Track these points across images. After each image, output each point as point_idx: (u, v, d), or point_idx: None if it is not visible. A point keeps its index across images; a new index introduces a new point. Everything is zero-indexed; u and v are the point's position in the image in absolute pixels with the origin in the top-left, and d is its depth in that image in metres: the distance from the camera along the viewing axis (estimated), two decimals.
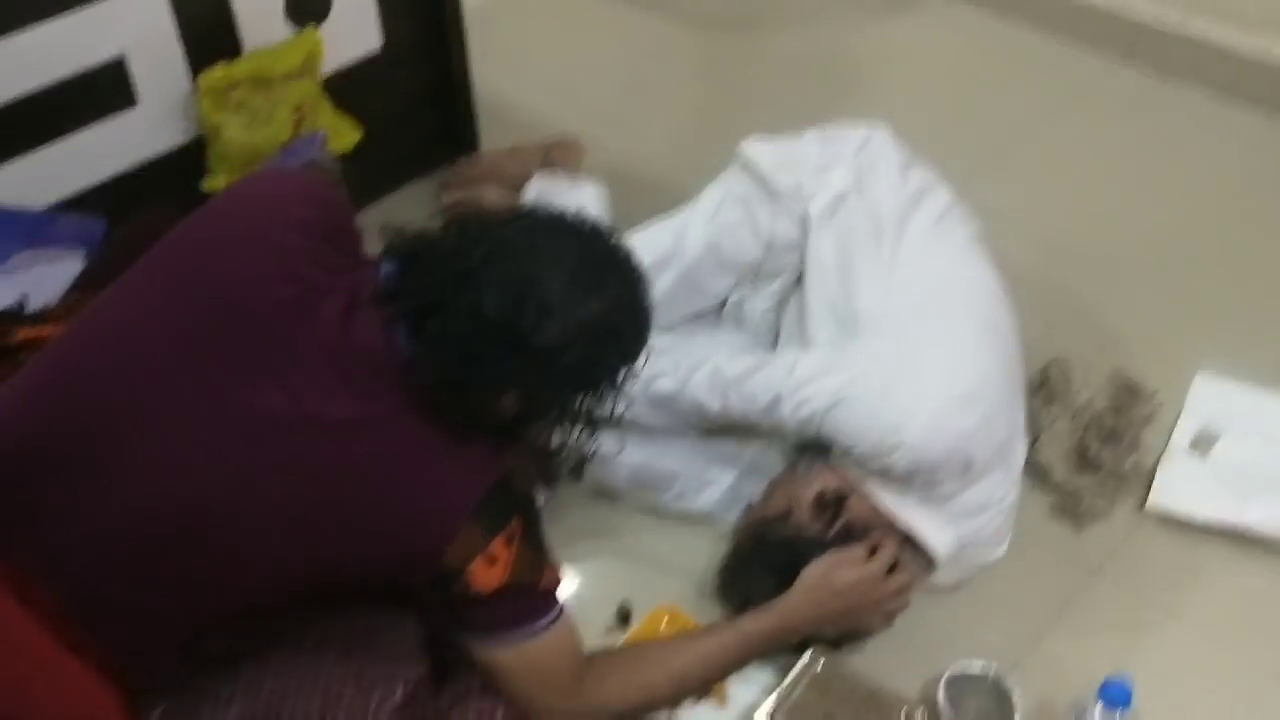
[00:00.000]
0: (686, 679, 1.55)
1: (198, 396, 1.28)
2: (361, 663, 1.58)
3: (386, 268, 1.33)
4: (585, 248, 1.33)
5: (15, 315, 1.71)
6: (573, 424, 1.38)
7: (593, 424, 1.40)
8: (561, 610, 1.44)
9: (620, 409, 1.39)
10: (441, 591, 1.34)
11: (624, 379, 1.38)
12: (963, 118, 2.72)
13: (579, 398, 1.35)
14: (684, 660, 1.54)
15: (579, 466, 1.48)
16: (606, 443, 1.75)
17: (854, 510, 1.64)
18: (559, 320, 1.27)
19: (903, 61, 2.93)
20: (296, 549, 1.31)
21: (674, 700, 1.58)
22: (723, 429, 1.83)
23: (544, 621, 1.41)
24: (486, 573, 1.32)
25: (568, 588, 1.76)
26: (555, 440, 1.41)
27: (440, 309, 1.26)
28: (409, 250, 1.33)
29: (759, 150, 1.90)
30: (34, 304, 1.77)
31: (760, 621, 1.58)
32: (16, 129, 1.87)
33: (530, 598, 1.40)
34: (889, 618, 1.65)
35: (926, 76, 2.88)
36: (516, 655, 1.42)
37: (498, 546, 1.32)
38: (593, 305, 1.29)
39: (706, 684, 1.60)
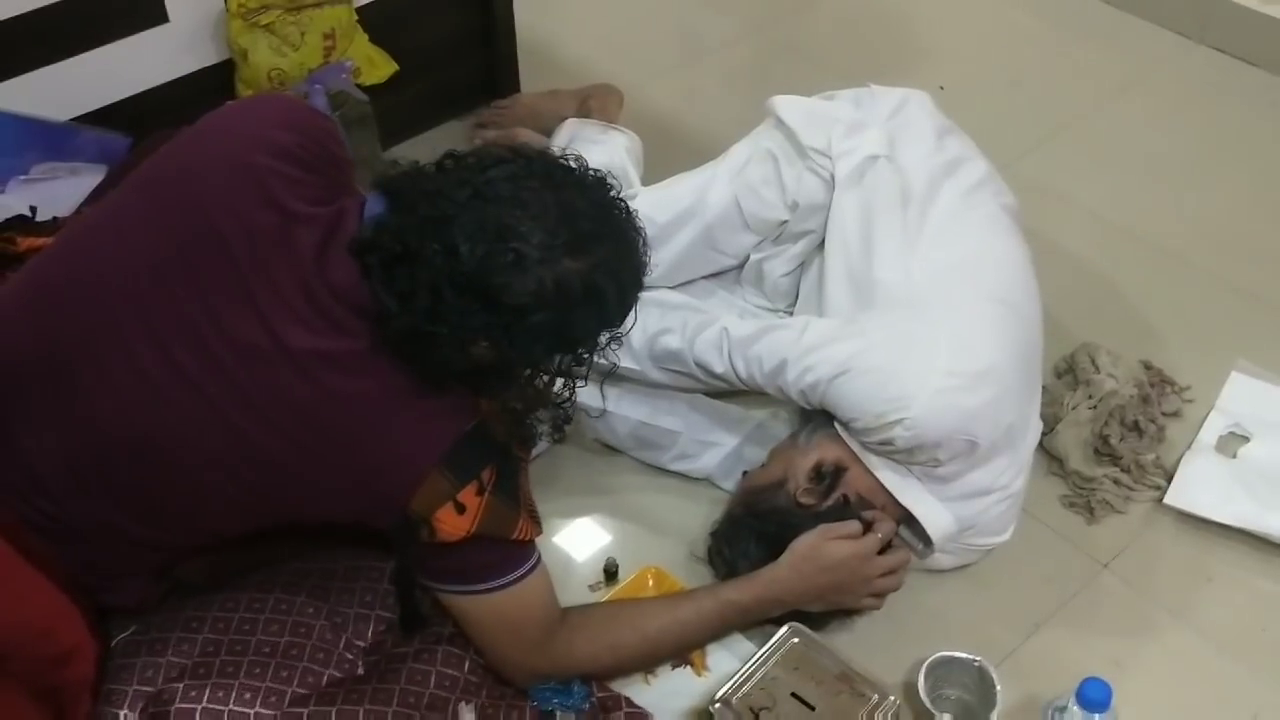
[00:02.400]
0: (659, 643, 1.52)
1: (170, 319, 1.26)
2: (335, 601, 1.58)
3: (372, 204, 1.29)
4: (576, 202, 1.25)
5: (23, 223, 1.71)
6: (548, 383, 1.34)
7: (570, 384, 1.35)
8: (535, 564, 1.41)
9: (597, 370, 1.34)
10: (409, 537, 1.31)
11: (606, 342, 1.32)
12: (1021, 90, 2.63)
13: (554, 358, 1.30)
14: (658, 624, 1.51)
15: (558, 427, 1.42)
16: (596, 400, 1.74)
17: (852, 484, 1.59)
18: (533, 277, 1.21)
19: (962, 28, 2.84)
20: (261, 482, 1.29)
21: (646, 664, 1.56)
22: (728, 392, 1.78)
23: (515, 575, 1.39)
24: (454, 521, 1.29)
25: (557, 540, 1.75)
26: (531, 398, 1.36)
27: (413, 256, 1.22)
28: (396, 187, 1.28)
29: (791, 106, 1.84)
30: (45, 214, 1.77)
31: (742, 591, 1.54)
32: (44, 38, 1.87)
33: (501, 550, 1.37)
34: (878, 597, 1.60)
35: (986, 45, 2.79)
36: (486, 606, 1.40)
37: (467, 495, 1.29)
38: (571, 265, 1.22)
39: (681, 650, 1.56)
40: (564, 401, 1.38)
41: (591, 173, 1.31)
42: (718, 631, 1.56)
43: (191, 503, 1.32)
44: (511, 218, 1.21)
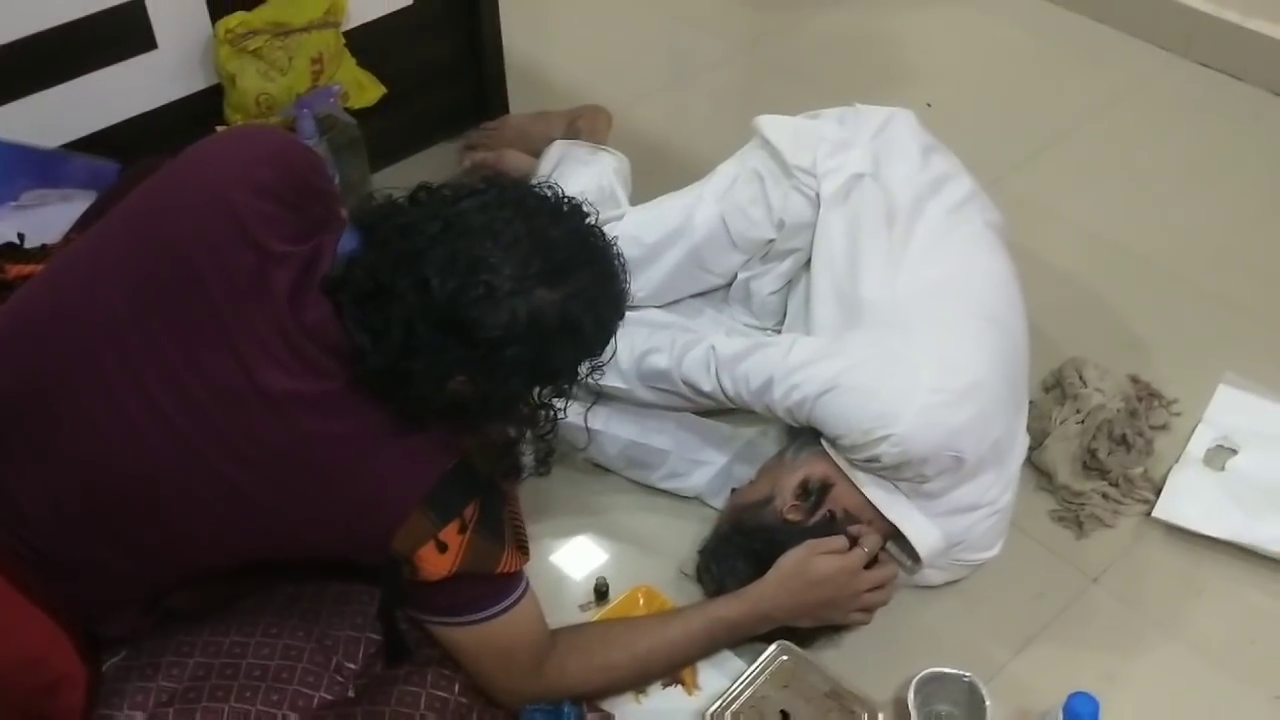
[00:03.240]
0: (650, 663, 1.52)
1: (148, 360, 1.25)
2: (326, 624, 1.58)
3: (346, 240, 1.27)
4: (550, 231, 1.23)
5: (11, 250, 1.72)
6: (530, 416, 1.32)
7: (551, 416, 1.34)
8: (523, 593, 1.40)
9: (580, 403, 1.34)
10: (393, 575, 1.31)
11: (586, 372, 1.31)
12: (1008, 107, 2.65)
13: (533, 390, 1.29)
14: (649, 643, 1.51)
15: (542, 460, 1.40)
16: (581, 436, 1.75)
17: (839, 501, 1.59)
18: (506, 309, 1.18)
19: (950, 46, 2.86)
20: (243, 522, 1.29)
21: (637, 683, 1.56)
22: (717, 410, 1.79)
23: (503, 605, 1.38)
24: (436, 560, 1.28)
25: (548, 560, 1.75)
26: (512, 432, 1.35)
27: (385, 292, 1.20)
28: (369, 222, 1.27)
29: (776, 126, 1.86)
30: (33, 241, 1.77)
31: (731, 608, 1.54)
32: (35, 64, 1.88)
33: (486, 584, 1.36)
34: (866, 613, 1.60)
35: (974, 63, 2.80)
36: (475, 636, 1.40)
37: (449, 534, 1.28)
38: (546, 295, 1.20)
39: (672, 668, 1.57)
40: (546, 433, 1.36)
41: (567, 201, 1.29)
42: (707, 649, 1.56)
43: (177, 541, 1.32)
44: (482, 249, 1.19)
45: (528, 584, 1.42)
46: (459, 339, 1.19)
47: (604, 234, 1.30)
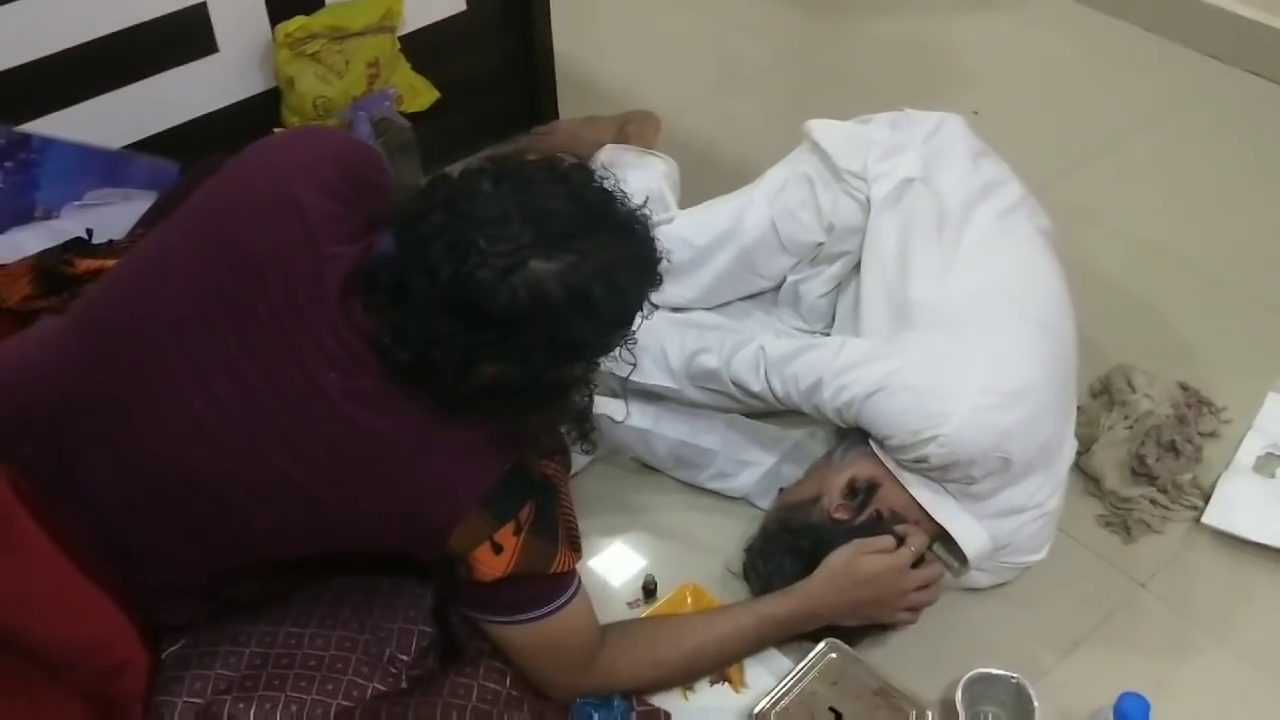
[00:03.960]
0: (699, 659, 1.54)
1: (214, 360, 1.28)
2: (379, 616, 1.60)
3: (385, 241, 1.27)
4: (548, 203, 1.19)
5: (80, 246, 1.75)
6: (568, 395, 1.31)
7: (588, 393, 1.33)
8: (575, 592, 1.42)
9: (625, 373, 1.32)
10: (448, 571, 1.34)
11: (619, 343, 1.28)
12: (1058, 115, 2.65)
13: (564, 368, 1.26)
14: (698, 640, 1.53)
15: (585, 436, 1.39)
16: (639, 419, 1.77)
17: (886, 500, 1.60)
18: (505, 287, 1.16)
19: (1000, 54, 2.86)
20: (302, 517, 1.32)
21: (686, 679, 1.57)
22: (765, 411, 1.80)
23: (556, 604, 1.40)
24: (491, 561, 1.30)
25: (597, 558, 1.77)
26: (553, 412, 1.33)
27: (402, 286, 1.20)
28: (395, 217, 1.27)
29: (827, 130, 1.87)
30: (100, 238, 1.81)
31: (778, 605, 1.56)
32: (99, 67, 1.92)
33: (540, 584, 1.38)
34: (913, 612, 1.61)
35: (1023, 70, 2.80)
36: (527, 635, 1.42)
37: (504, 535, 1.30)
38: (543, 267, 1.16)
39: (719, 665, 1.58)
40: (586, 411, 1.36)
41: (573, 169, 1.25)
42: (754, 646, 1.58)
43: (238, 533, 1.35)
44: (475, 230, 1.17)
45: (580, 582, 1.43)
46: (471, 324, 1.18)
47: (618, 197, 1.25)
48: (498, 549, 1.30)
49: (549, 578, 1.37)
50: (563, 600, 1.40)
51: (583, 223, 1.20)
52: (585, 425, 1.38)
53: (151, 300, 1.32)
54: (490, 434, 1.30)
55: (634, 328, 1.28)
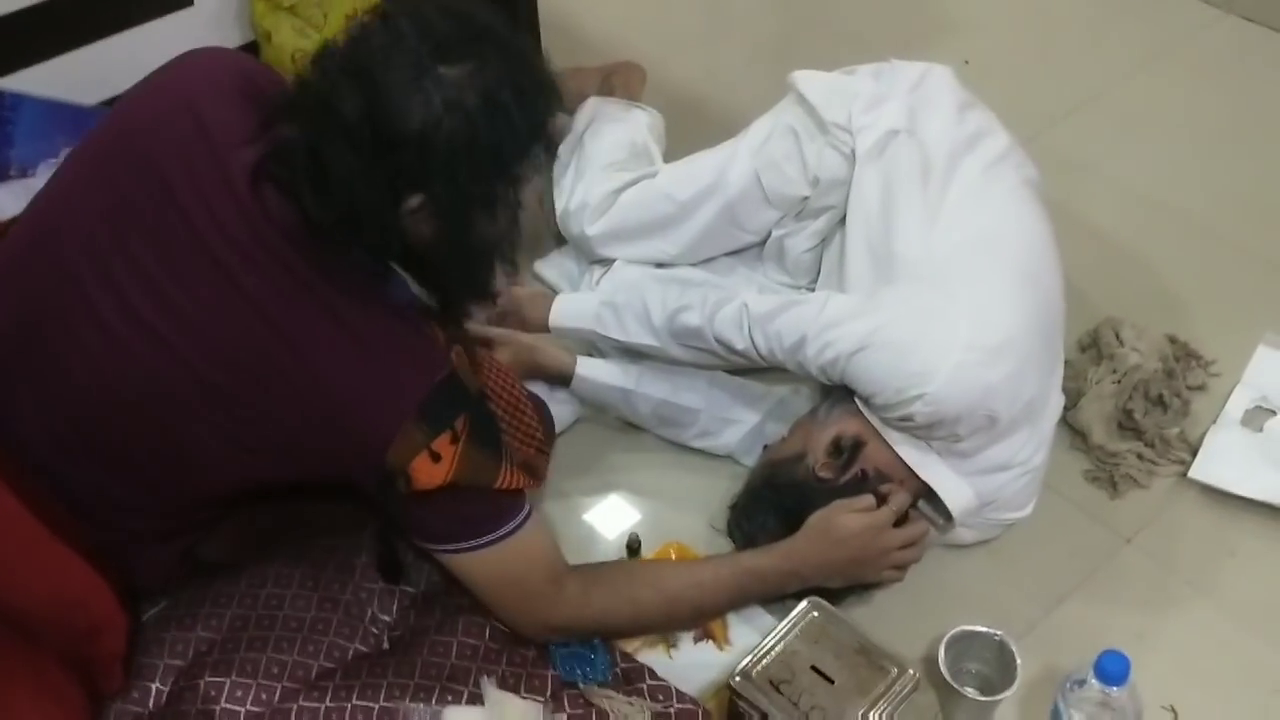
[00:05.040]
0: (677, 603, 1.52)
1: (130, 277, 1.27)
2: (361, 577, 1.60)
3: (286, 127, 1.24)
4: (433, 21, 1.19)
5: None
6: (493, 219, 1.27)
7: (515, 217, 1.30)
8: (527, 517, 1.40)
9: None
10: (389, 493, 1.31)
11: (532, 153, 1.25)
12: (1048, 62, 2.61)
13: (486, 183, 1.23)
14: (678, 584, 1.52)
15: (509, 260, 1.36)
16: (622, 378, 1.78)
17: (871, 459, 1.59)
18: (418, 99, 1.15)
19: (989, 2, 2.81)
20: (235, 435, 1.29)
21: (664, 625, 1.56)
22: (749, 369, 1.79)
23: (507, 529, 1.38)
24: (430, 470, 1.28)
25: (581, 516, 1.76)
26: (485, 239, 1.30)
27: (311, 144, 1.19)
28: (296, 91, 1.25)
29: (811, 81, 1.84)
30: None
31: (760, 560, 1.55)
32: (71, 22, 1.88)
33: (486, 501, 1.36)
34: (899, 570, 1.61)
35: (1013, 18, 2.76)
36: (482, 564, 1.40)
37: (441, 444, 1.28)
38: (450, 73, 1.16)
39: (698, 614, 1.57)
40: (509, 239, 1.32)
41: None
42: (735, 599, 1.57)
43: (173, 461, 1.33)
44: (373, 59, 1.17)
45: (530, 510, 1.41)
46: (388, 151, 1.17)
47: (502, 17, 1.25)
48: (435, 457, 1.28)
49: (494, 495, 1.36)
50: (513, 525, 1.38)
51: (477, 33, 1.20)
52: (510, 254, 1.35)
53: (59, 224, 1.32)
54: (424, 344, 1.30)
55: (550, 145, 1.28)
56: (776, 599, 1.59)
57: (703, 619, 1.58)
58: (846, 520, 1.55)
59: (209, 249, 1.25)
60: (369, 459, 1.28)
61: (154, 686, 1.47)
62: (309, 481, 1.38)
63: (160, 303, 1.26)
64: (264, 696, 1.44)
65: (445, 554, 1.41)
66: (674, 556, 1.67)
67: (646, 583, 1.52)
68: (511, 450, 1.38)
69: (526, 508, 1.41)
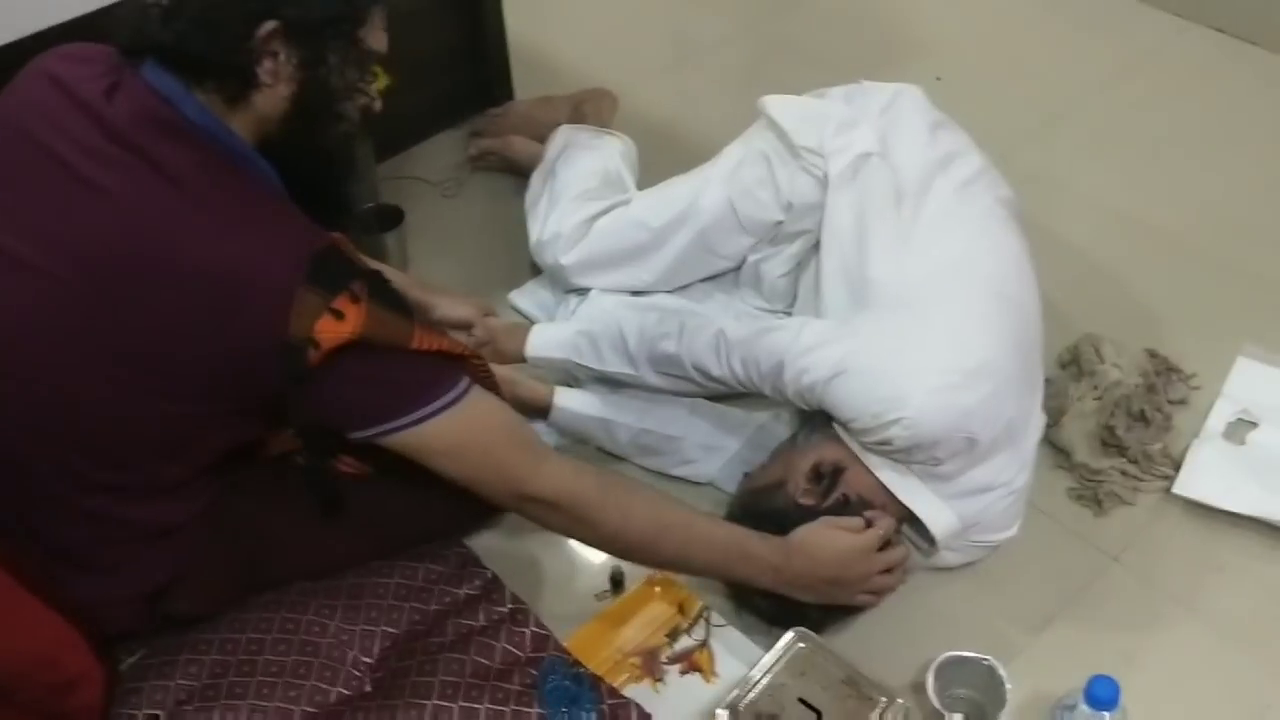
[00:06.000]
0: (665, 534, 1.49)
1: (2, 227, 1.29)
2: (341, 619, 1.59)
3: (153, 72, 1.29)
4: None
5: None
6: (342, 58, 1.32)
7: (360, 63, 1.36)
8: (469, 386, 1.37)
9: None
10: (305, 380, 1.27)
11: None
12: (1018, 79, 2.61)
13: (335, 13, 1.29)
14: (674, 517, 1.51)
15: (366, 110, 1.41)
16: (601, 408, 1.77)
17: (852, 484, 1.58)
18: None
19: (957, 19, 2.82)
20: (129, 349, 1.27)
21: (641, 549, 1.52)
22: (728, 395, 1.78)
23: (446, 397, 1.34)
24: (335, 327, 1.25)
25: (564, 548, 1.74)
26: (330, 85, 1.33)
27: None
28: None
29: (782, 106, 1.84)
30: None
31: (754, 542, 1.53)
32: None
33: (409, 364, 1.33)
34: (876, 595, 1.60)
35: (982, 35, 2.77)
36: (435, 438, 1.35)
37: (341, 303, 1.25)
38: None
39: (678, 558, 1.54)
40: (365, 79, 1.38)
41: None
42: (717, 565, 1.55)
43: (72, 401, 1.31)
44: None
45: (471, 383, 1.38)
46: None
47: None
48: (338, 315, 1.25)
49: (416, 357, 1.33)
50: (453, 393, 1.35)
51: None
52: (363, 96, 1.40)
53: None
54: (294, 218, 1.30)
55: None
56: (745, 588, 1.59)
57: (678, 565, 1.57)
58: (833, 537, 1.54)
59: (68, 166, 1.26)
60: (270, 336, 1.24)
61: None
62: (219, 410, 1.34)
63: (22, 231, 1.27)
64: None
65: (392, 433, 1.34)
66: (658, 590, 1.66)
67: (647, 501, 1.50)
68: (413, 312, 1.36)
69: (466, 379, 1.37)
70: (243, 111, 1.31)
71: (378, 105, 1.42)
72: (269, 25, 1.25)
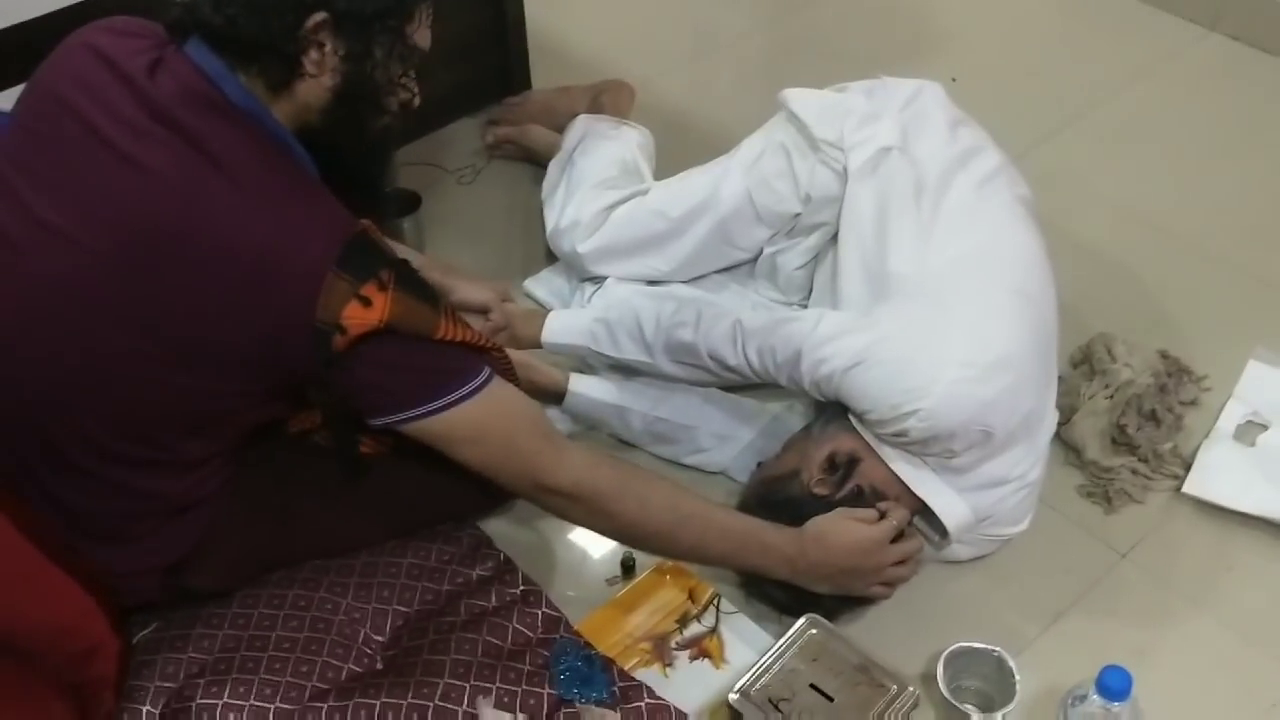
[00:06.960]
0: (683, 525, 1.50)
1: (31, 189, 1.30)
2: (353, 596, 1.60)
3: (197, 50, 1.30)
4: None
5: None
6: (388, 51, 1.32)
7: (405, 58, 1.35)
8: (489, 377, 1.38)
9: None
10: (332, 363, 1.28)
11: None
12: (1035, 80, 2.62)
13: (384, 9, 1.29)
14: (692, 508, 1.51)
15: (406, 106, 1.41)
16: (615, 395, 1.78)
17: (866, 475, 1.59)
18: None
19: (976, 19, 2.83)
20: (159, 330, 1.28)
21: (658, 539, 1.53)
22: (742, 385, 1.78)
23: (468, 386, 1.35)
24: (362, 314, 1.26)
25: (574, 535, 1.74)
26: (373, 78, 1.33)
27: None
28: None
29: (803, 99, 1.85)
30: None
31: (770, 532, 1.54)
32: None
33: (433, 353, 1.34)
34: (886, 588, 1.61)
35: (1000, 36, 2.78)
36: (455, 426, 1.36)
37: (369, 290, 1.27)
38: None
39: (695, 548, 1.55)
40: (407, 75, 1.38)
41: None
42: (732, 555, 1.56)
43: (102, 375, 1.31)
44: None
45: (492, 373, 1.39)
46: None
47: None
48: (366, 302, 1.26)
49: (441, 347, 1.34)
50: (475, 383, 1.36)
51: None
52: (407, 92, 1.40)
53: None
54: (327, 205, 1.30)
55: None
56: (760, 579, 1.60)
57: (695, 556, 1.58)
58: (848, 527, 1.55)
59: (107, 140, 1.27)
60: (299, 319, 1.25)
61: (145, 709, 1.45)
62: (245, 388, 1.35)
63: (59, 202, 1.28)
64: (257, 718, 1.43)
65: (414, 420, 1.35)
66: (669, 577, 1.67)
67: (664, 491, 1.51)
68: (441, 301, 1.36)
69: (487, 369, 1.38)
70: (284, 99, 1.30)
71: (417, 101, 1.41)
72: (319, 16, 1.25)
